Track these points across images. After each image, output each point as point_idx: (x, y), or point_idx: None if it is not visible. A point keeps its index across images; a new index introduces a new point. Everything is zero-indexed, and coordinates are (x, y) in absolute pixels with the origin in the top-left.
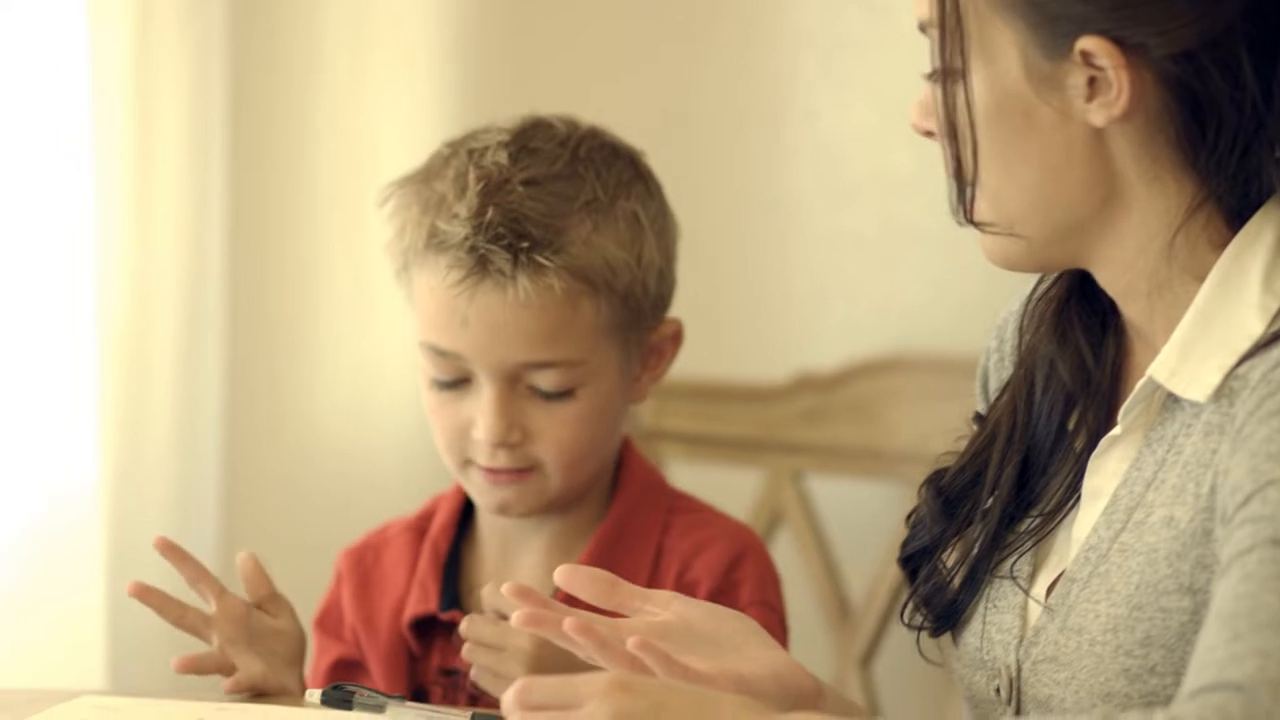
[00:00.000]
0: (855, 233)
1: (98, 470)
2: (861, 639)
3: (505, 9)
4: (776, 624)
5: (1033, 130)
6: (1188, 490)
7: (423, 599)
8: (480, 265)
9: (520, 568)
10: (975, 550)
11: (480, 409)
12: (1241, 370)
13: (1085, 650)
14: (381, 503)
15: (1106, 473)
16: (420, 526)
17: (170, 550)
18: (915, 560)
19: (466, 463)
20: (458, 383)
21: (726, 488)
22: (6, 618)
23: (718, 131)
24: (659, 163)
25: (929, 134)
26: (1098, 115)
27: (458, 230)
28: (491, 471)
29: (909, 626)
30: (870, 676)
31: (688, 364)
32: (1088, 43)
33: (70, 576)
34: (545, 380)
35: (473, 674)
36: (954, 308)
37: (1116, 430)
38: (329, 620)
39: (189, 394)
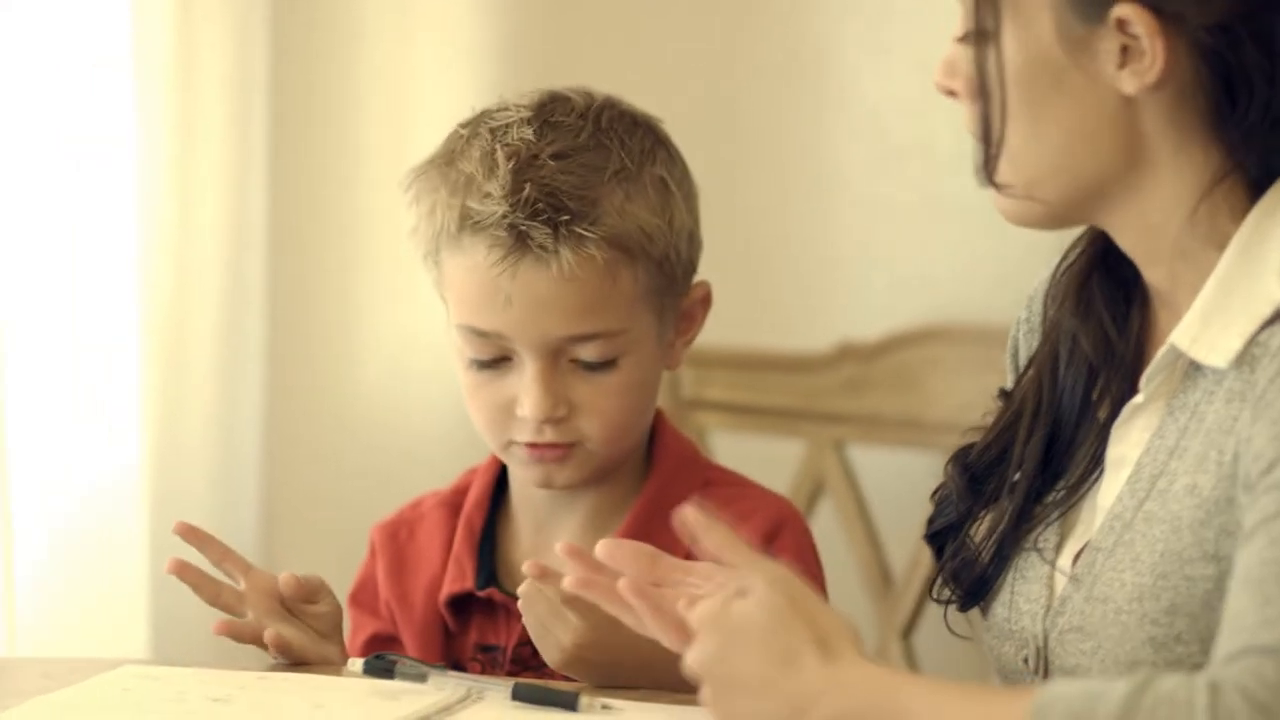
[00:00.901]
0: (897, 202)
1: (140, 450)
2: (903, 609)
3: None
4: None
5: (1062, 94)
6: (1210, 458)
7: (459, 577)
8: (520, 242)
9: (556, 544)
10: (1003, 525)
11: (524, 386)
12: (1263, 337)
13: (1111, 619)
14: (422, 477)
15: (1130, 441)
16: (454, 501)
17: (191, 533)
18: (942, 537)
19: (509, 442)
20: (497, 361)
21: (768, 458)
22: (54, 595)
23: (760, 100)
24: (700, 131)
25: (951, 93)
26: (1129, 83)
27: (493, 209)
28: (536, 447)
29: (937, 601)
30: (912, 647)
31: (729, 334)
32: (1124, 9)
33: (115, 554)
34: (588, 352)
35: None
36: (996, 277)
37: (1139, 398)
38: (364, 595)
39: (229, 372)
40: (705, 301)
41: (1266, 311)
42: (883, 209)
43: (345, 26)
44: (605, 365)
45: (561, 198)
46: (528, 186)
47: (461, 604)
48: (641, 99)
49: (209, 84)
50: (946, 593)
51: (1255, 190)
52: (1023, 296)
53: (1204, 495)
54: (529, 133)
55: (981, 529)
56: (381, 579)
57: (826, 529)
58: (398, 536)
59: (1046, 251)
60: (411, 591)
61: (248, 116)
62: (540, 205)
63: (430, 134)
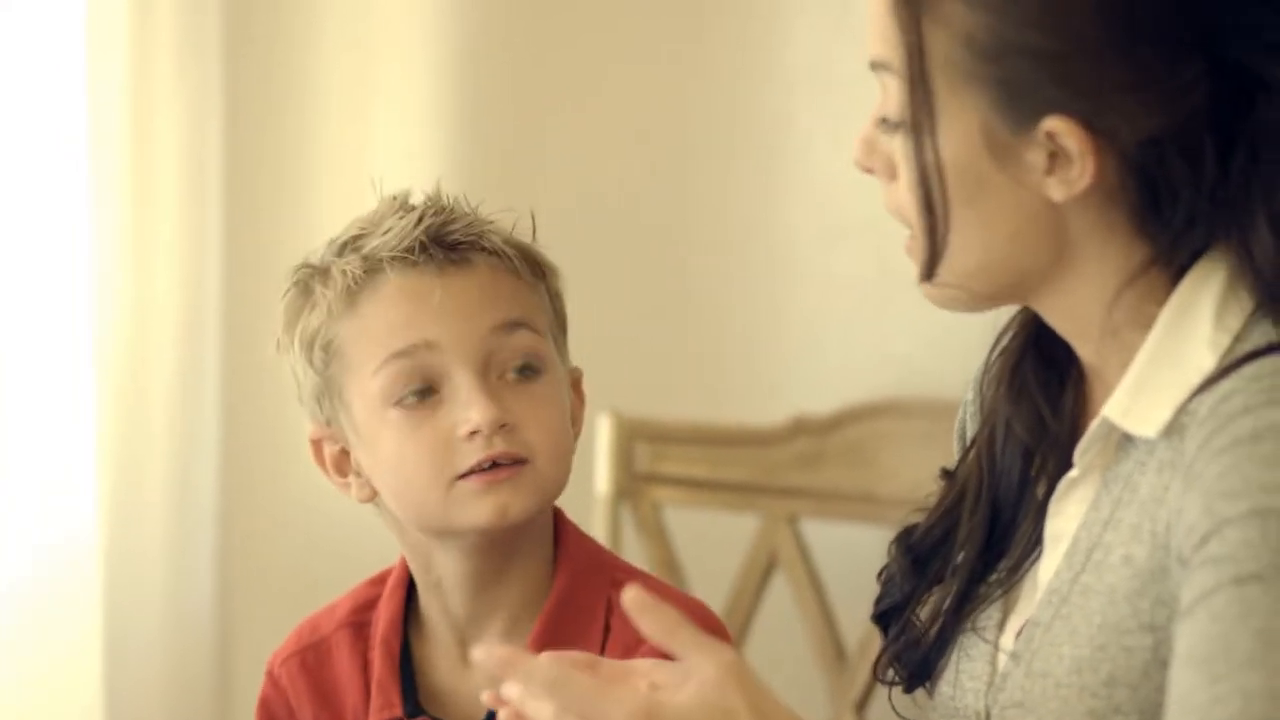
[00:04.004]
0: (851, 276)
1: (95, 515)
2: (857, 684)
3: (498, 52)
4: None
5: (987, 196)
6: (1144, 528)
7: (385, 705)
8: (435, 241)
9: (477, 659)
10: (946, 606)
11: (465, 402)
12: (1192, 405)
13: (1051, 693)
14: (376, 546)
15: (1066, 515)
16: (355, 622)
17: None
18: (888, 617)
19: (453, 480)
20: (426, 394)
21: (722, 532)
22: (4, 659)
23: (711, 172)
24: (651, 203)
25: (869, 171)
26: (1056, 190)
27: (405, 225)
28: (486, 473)
29: (882, 682)
30: None
31: (683, 409)
32: (1055, 123)
33: (67, 620)
34: (517, 345)
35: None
36: (950, 351)
37: (1074, 472)
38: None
39: (186, 438)
40: (579, 388)
41: (1196, 380)
42: (836, 283)
43: (300, 90)
44: (532, 375)
45: (459, 220)
46: (422, 213)
47: None
48: (590, 174)
49: (163, 155)
50: (891, 673)
51: (1179, 272)
52: (976, 371)
53: (1139, 566)
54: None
55: (926, 610)
56: (304, 709)
57: (780, 603)
58: (306, 663)
59: (1000, 326)
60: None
61: (203, 185)
62: (449, 212)
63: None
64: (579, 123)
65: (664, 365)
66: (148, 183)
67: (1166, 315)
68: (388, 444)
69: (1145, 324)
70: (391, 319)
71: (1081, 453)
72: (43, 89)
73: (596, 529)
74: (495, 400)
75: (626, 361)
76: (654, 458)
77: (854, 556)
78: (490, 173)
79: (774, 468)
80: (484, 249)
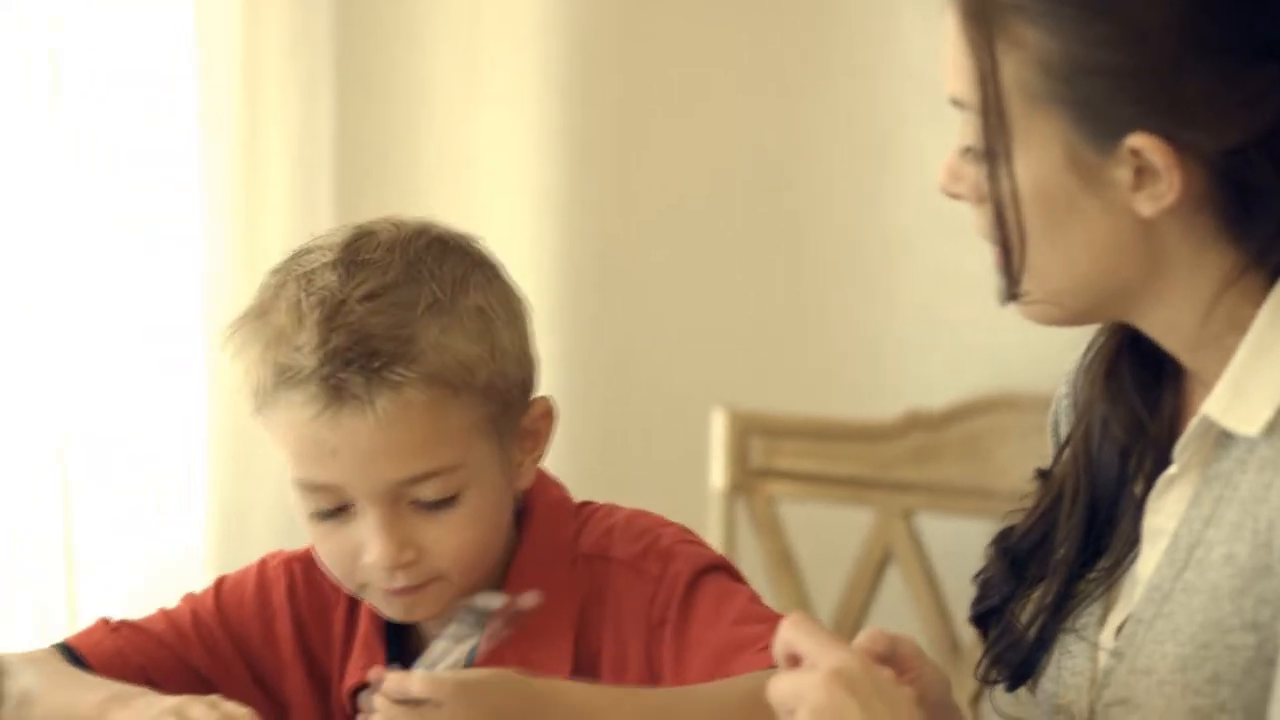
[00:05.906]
0: (963, 271)
1: (204, 530)
2: (973, 678)
3: (609, 50)
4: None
5: (1076, 216)
6: (1246, 526)
7: (370, 663)
8: (336, 394)
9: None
10: (1046, 606)
11: (368, 534)
12: None
13: (1155, 690)
14: None
15: (1166, 513)
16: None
17: None
18: (986, 619)
19: (361, 585)
20: (338, 511)
21: (837, 526)
22: None
23: (826, 170)
24: (763, 198)
25: (957, 196)
26: (1145, 206)
27: (305, 363)
28: (390, 590)
29: (984, 682)
30: (981, 715)
31: (797, 403)
32: (1138, 140)
33: None
34: (427, 492)
35: None
36: (1062, 345)
37: (1173, 469)
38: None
39: None
40: (547, 417)
41: None
42: (949, 278)
43: (409, 100)
44: (447, 502)
45: (373, 342)
46: (334, 336)
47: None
48: (701, 171)
49: (275, 195)
50: (994, 673)
51: (1274, 273)
52: (1071, 368)
53: (1241, 564)
54: (334, 277)
55: (1026, 610)
56: (280, 622)
57: (895, 597)
58: (312, 575)
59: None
60: (322, 659)
61: (313, 214)
62: (351, 354)
63: (497, 207)
64: (690, 117)
65: (777, 360)
66: (259, 190)
67: (1265, 315)
68: (303, 524)
69: (1243, 327)
70: (294, 447)
71: (1181, 450)
72: (154, 96)
73: (711, 524)
74: (396, 538)
75: (740, 357)
76: (768, 452)
77: (968, 551)
78: (601, 170)
79: (888, 462)
80: (390, 387)
